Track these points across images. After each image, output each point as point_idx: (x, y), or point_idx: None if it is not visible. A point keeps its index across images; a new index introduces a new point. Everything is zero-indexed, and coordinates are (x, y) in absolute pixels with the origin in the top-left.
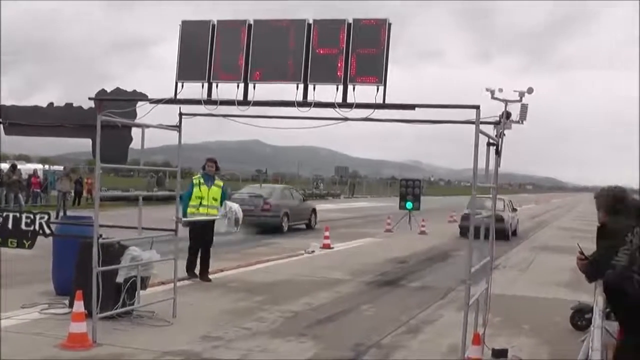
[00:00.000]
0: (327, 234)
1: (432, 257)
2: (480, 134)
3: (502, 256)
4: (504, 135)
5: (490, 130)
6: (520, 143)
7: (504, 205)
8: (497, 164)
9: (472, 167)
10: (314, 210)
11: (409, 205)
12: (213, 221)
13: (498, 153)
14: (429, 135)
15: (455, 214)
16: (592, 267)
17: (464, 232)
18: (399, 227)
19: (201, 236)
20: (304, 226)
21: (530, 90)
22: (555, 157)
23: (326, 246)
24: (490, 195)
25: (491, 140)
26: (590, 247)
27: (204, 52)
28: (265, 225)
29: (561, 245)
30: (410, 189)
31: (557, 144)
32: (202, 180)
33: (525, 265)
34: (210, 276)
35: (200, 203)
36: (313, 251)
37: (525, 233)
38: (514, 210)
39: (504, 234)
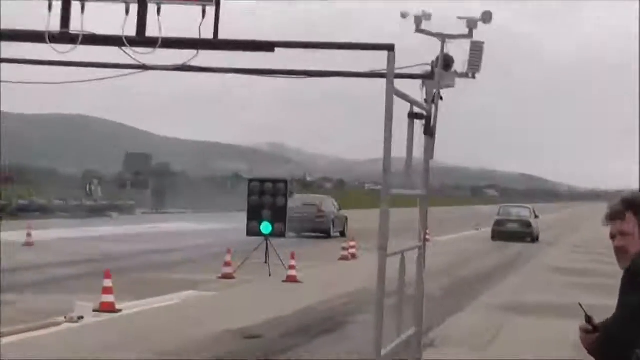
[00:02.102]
0: (108, 283)
1: (306, 326)
2: (395, 97)
3: (442, 322)
4: (440, 99)
5: (415, 90)
6: (473, 115)
7: (530, 213)
8: (428, 152)
9: (382, 155)
10: (346, 219)
11: (266, 227)
12: None
13: (429, 131)
14: (305, 102)
15: (351, 244)
16: (607, 344)
17: (495, 235)
18: (249, 269)
19: None
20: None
21: (486, 18)
22: (534, 140)
23: (107, 307)
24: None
25: (416, 109)
26: (602, 305)
27: None
28: (318, 230)
29: (549, 302)
30: (268, 198)
31: (535, 118)
32: None
33: (486, 338)
34: None
35: None
36: (81, 317)
37: (481, 280)
38: (537, 217)
39: (532, 237)
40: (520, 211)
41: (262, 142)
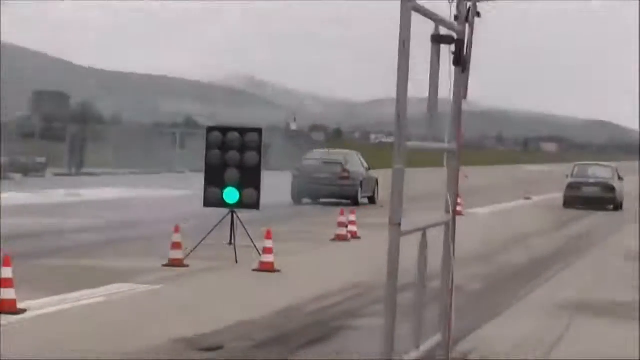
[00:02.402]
0: (7, 273)
1: (284, 334)
2: (414, 14)
3: (478, 328)
4: (477, 15)
5: (441, 4)
6: (523, 40)
7: (612, 174)
8: (460, 90)
9: (394, 95)
10: (376, 182)
11: (232, 195)
12: None
13: (461, 61)
14: (290, 24)
15: (352, 218)
16: None
17: (569, 202)
18: (206, 254)
19: None
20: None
21: None
22: (606, 76)
23: (5, 307)
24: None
25: (443, 31)
26: None
27: None
28: (342, 195)
29: (630, 299)
30: (234, 154)
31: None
32: None
33: (540, 353)
34: None
35: None
36: None
37: (533, 269)
38: (621, 179)
39: (615, 203)
40: (600, 171)
41: (229, 76)
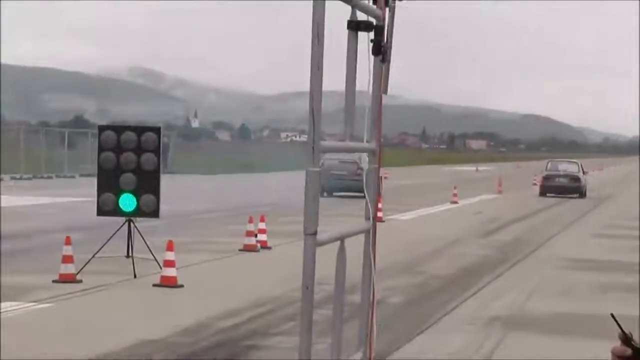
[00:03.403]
0: None
1: (185, 356)
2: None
3: (405, 343)
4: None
5: None
6: (449, 28)
7: (578, 168)
8: (379, 82)
9: (306, 88)
10: (381, 178)
11: (128, 202)
12: None
13: (381, 51)
14: (189, 10)
15: (261, 227)
16: None
17: (545, 191)
18: (101, 267)
19: None
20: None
21: None
22: (544, 68)
23: None
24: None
25: (361, 16)
26: None
27: None
28: (357, 189)
29: (567, 311)
30: (130, 156)
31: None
32: None
33: None
34: None
35: None
36: None
37: (463, 278)
38: (585, 172)
39: (580, 191)
40: (568, 166)
41: (121, 67)
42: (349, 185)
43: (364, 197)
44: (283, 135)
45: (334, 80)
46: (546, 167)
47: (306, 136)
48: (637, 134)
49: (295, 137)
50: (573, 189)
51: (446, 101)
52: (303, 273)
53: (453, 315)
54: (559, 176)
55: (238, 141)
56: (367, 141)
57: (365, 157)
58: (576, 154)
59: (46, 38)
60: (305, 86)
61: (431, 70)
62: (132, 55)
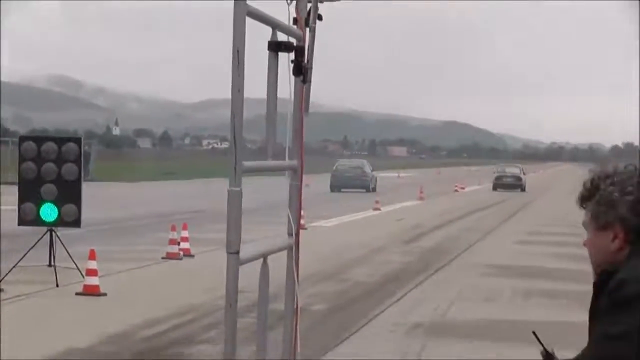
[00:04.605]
0: None
1: None
2: (249, 19)
3: (329, 351)
4: (319, 18)
5: (279, 5)
6: (363, 43)
7: (520, 170)
8: (300, 102)
9: (230, 112)
10: (376, 179)
11: (50, 212)
12: None
13: (301, 72)
14: (111, 16)
15: (184, 235)
16: None
17: (495, 186)
18: (24, 277)
19: None
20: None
21: None
22: (473, 76)
23: None
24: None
25: (281, 36)
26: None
27: None
28: (363, 186)
29: (495, 317)
30: (51, 167)
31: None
32: None
33: None
34: None
35: None
36: None
37: (386, 285)
38: (524, 174)
39: (522, 187)
40: (513, 169)
41: (39, 75)
42: (355, 184)
43: (364, 192)
44: (205, 142)
45: (251, 88)
46: (497, 170)
47: (227, 143)
48: (554, 141)
49: (217, 144)
50: (517, 185)
51: (368, 108)
52: (226, 290)
53: (375, 322)
54: (506, 176)
55: (160, 149)
56: (289, 159)
57: (366, 164)
58: (497, 161)
59: None
60: (226, 93)
61: (353, 80)
62: (50, 64)
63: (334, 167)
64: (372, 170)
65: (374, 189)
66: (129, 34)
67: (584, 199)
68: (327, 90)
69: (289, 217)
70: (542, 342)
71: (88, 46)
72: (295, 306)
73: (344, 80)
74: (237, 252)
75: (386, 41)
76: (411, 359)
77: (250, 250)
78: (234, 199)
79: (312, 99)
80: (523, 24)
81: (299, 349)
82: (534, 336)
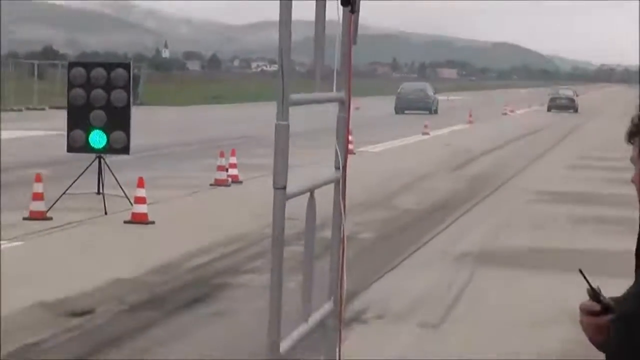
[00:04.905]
0: None
1: (160, 295)
2: None
3: (375, 283)
4: None
5: None
6: None
7: (573, 92)
8: (348, 33)
9: (275, 17)
10: (438, 101)
11: (99, 139)
12: None
13: (350, 2)
14: None
15: (232, 161)
16: (624, 332)
17: (550, 107)
18: (72, 204)
19: None
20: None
21: None
22: None
23: None
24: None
25: None
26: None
27: None
28: (426, 108)
29: (546, 245)
30: (100, 93)
31: None
32: None
33: (441, 309)
34: None
35: None
36: None
37: (433, 214)
38: (577, 95)
39: (575, 108)
40: (566, 92)
41: None
42: (418, 106)
43: (427, 114)
44: (254, 65)
45: (300, 10)
46: (551, 92)
47: (276, 66)
48: (604, 62)
49: (266, 66)
50: (570, 106)
51: (416, 29)
52: (273, 226)
53: (424, 250)
54: (560, 98)
55: (209, 71)
56: (336, 90)
57: (430, 87)
58: (547, 83)
59: None
60: (276, 15)
61: None
62: None
63: (398, 90)
64: (435, 93)
65: (435, 111)
66: None
67: (632, 134)
68: (373, 10)
69: (336, 150)
70: (588, 280)
71: None
72: (341, 238)
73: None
74: (284, 187)
75: None
76: (460, 287)
77: (297, 185)
78: (281, 133)
79: (368, 19)
80: None
81: (345, 279)
82: (581, 275)
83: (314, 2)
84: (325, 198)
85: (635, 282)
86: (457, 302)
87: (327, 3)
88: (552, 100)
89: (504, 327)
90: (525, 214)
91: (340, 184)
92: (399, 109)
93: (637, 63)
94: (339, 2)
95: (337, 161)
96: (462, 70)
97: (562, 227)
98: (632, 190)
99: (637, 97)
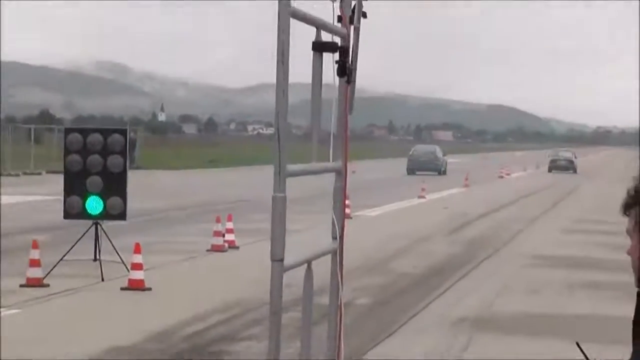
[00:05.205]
0: None
1: None
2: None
3: (374, 346)
4: (364, 16)
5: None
6: (406, 20)
7: (572, 154)
8: (344, 103)
9: (274, 115)
10: (447, 163)
11: (95, 205)
12: None
13: (346, 72)
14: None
15: (229, 226)
16: None
17: (551, 168)
18: (69, 271)
19: None
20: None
21: None
22: (513, 57)
23: None
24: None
25: (326, 36)
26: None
27: None
28: (436, 169)
29: (545, 311)
30: (96, 159)
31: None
32: None
33: None
34: None
35: None
36: None
37: (431, 278)
38: (576, 157)
39: (574, 169)
40: (566, 154)
41: (87, 62)
42: (428, 167)
43: (436, 175)
44: (250, 128)
45: (297, 72)
46: (551, 155)
47: (272, 129)
48: (601, 124)
49: (262, 129)
50: (569, 167)
51: (411, 92)
52: (270, 299)
53: (421, 316)
54: (560, 160)
55: (205, 134)
56: (333, 160)
57: (438, 149)
58: (542, 145)
59: (11, 32)
60: (273, 78)
61: (398, 63)
62: (98, 49)
63: (410, 152)
64: (444, 155)
65: (444, 172)
66: (176, 19)
67: (628, 206)
68: (369, 73)
69: (332, 219)
70: (585, 353)
71: (136, 32)
72: (339, 306)
73: (386, 63)
74: (282, 260)
75: (434, 24)
76: (457, 353)
77: (295, 256)
78: (278, 205)
79: (365, 83)
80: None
81: (342, 347)
82: (577, 347)
83: (310, 67)
84: (322, 265)
85: (634, 354)
86: None
87: (324, 72)
88: (553, 161)
89: None
90: (521, 278)
91: (337, 254)
92: (411, 170)
93: (634, 125)
94: (335, 73)
95: (334, 231)
96: (458, 132)
97: (558, 292)
98: (627, 255)
99: (635, 158)
